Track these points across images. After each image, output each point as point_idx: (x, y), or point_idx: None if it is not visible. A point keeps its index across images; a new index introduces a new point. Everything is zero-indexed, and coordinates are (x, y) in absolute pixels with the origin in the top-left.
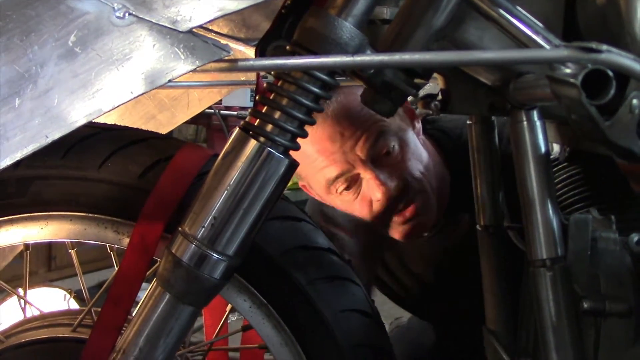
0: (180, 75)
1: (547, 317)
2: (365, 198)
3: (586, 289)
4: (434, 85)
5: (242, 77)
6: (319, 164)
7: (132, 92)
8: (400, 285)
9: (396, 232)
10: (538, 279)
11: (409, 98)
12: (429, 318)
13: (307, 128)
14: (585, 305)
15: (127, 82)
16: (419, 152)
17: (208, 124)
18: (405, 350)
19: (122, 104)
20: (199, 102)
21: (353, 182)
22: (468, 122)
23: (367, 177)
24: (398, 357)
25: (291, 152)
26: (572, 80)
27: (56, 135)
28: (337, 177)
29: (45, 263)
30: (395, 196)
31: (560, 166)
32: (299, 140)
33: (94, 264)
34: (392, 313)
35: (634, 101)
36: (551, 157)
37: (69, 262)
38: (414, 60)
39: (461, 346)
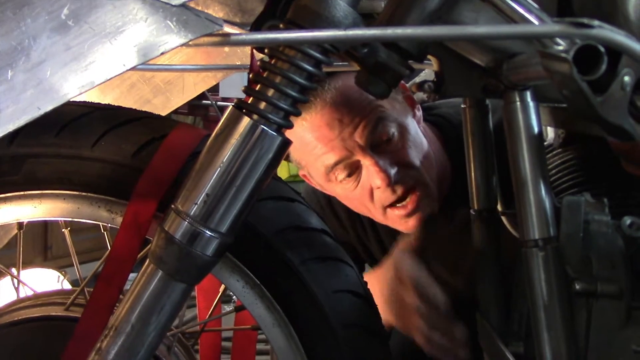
0: (173, 49)
1: (539, 297)
2: (365, 186)
3: (578, 270)
4: (429, 72)
5: (237, 61)
6: (318, 151)
7: (124, 65)
8: None
9: (399, 224)
10: (530, 259)
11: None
12: None
13: (306, 115)
14: (577, 287)
15: (120, 54)
16: (420, 140)
17: (205, 115)
18: (400, 339)
19: (115, 76)
20: (194, 86)
21: (353, 170)
22: (462, 105)
23: (367, 164)
24: (393, 345)
25: (291, 137)
26: (563, 55)
27: (48, 107)
28: (335, 164)
29: (41, 252)
30: (395, 183)
31: (554, 152)
32: (298, 127)
33: (90, 254)
34: None
35: (626, 78)
36: (545, 143)
37: (65, 251)
38: (406, 35)
39: None
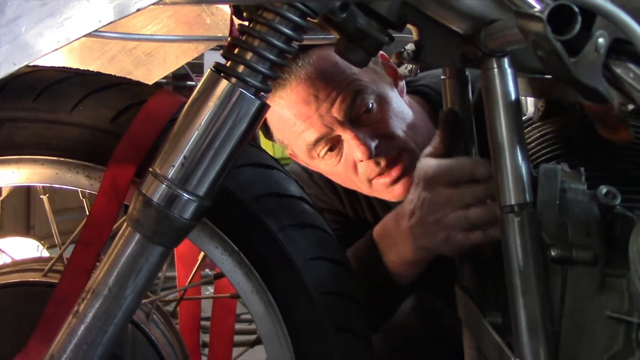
0: (148, 5)
1: (515, 262)
2: (349, 160)
3: (554, 237)
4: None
5: (218, 33)
6: (298, 128)
7: (100, 21)
8: None
9: (386, 194)
10: (506, 225)
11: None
12: None
13: (282, 93)
14: (553, 253)
15: (96, 10)
16: (402, 110)
17: (189, 96)
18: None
19: (91, 32)
20: (176, 58)
21: (335, 145)
22: (442, 77)
23: (347, 138)
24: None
25: (270, 117)
26: (538, 14)
27: (23, 62)
28: (317, 141)
29: (23, 232)
30: (377, 155)
31: (533, 125)
32: (276, 106)
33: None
34: None
35: (600, 40)
36: (525, 116)
37: (48, 232)
38: None
39: (438, 307)
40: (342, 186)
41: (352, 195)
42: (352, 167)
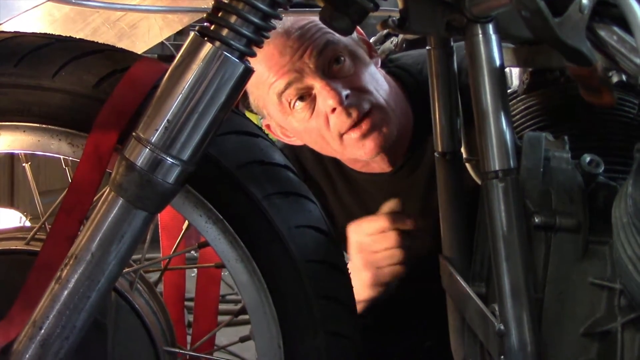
0: None
1: (499, 228)
2: (320, 113)
3: (538, 204)
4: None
5: (203, 4)
6: (270, 80)
7: None
8: None
9: (357, 149)
10: (490, 191)
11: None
12: None
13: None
14: (537, 220)
15: None
16: (375, 74)
17: None
18: None
19: None
20: (160, 31)
21: (305, 96)
22: (427, 47)
23: (318, 87)
24: None
25: (252, 68)
26: None
27: (4, 18)
28: (286, 87)
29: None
30: (349, 106)
31: (518, 98)
32: (253, 62)
33: None
34: None
35: (584, 1)
36: (510, 89)
37: (32, 212)
38: None
39: (418, 291)
40: (313, 162)
41: (323, 174)
42: (325, 120)
